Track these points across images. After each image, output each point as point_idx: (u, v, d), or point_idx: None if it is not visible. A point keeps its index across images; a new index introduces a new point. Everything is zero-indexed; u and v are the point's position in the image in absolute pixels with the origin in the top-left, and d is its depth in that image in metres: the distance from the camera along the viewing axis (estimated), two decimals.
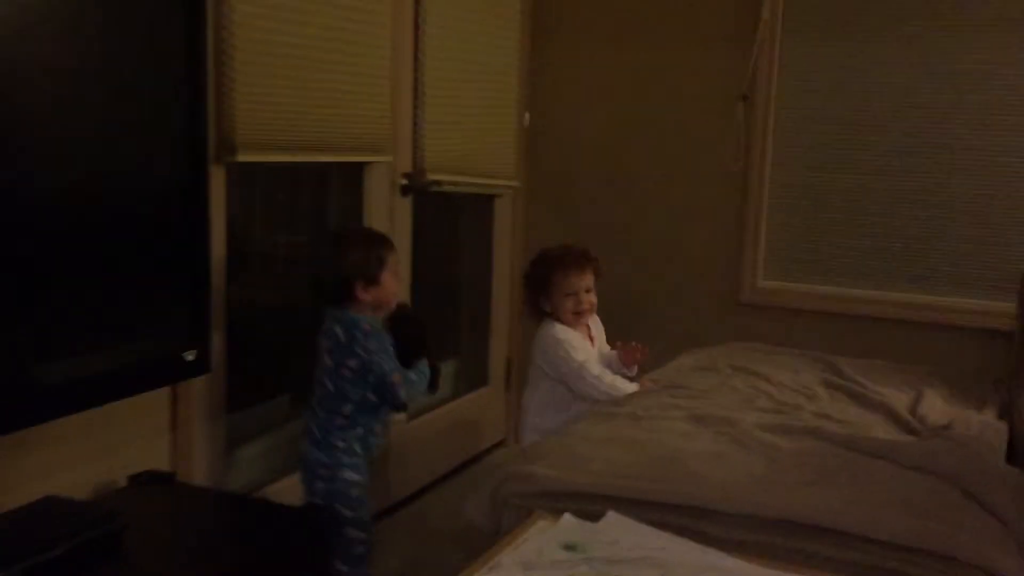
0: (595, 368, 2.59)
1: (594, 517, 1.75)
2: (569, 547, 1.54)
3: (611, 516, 1.73)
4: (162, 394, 2.02)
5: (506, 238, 3.60)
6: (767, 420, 2.14)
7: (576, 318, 2.67)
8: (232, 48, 2.11)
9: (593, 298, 2.69)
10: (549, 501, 1.81)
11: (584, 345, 2.68)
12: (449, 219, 3.54)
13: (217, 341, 2.21)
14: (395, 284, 2.22)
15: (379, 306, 2.19)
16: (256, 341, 2.47)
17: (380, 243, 2.21)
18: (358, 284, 2.13)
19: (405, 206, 2.95)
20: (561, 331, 2.64)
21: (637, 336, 2.73)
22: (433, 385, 2.22)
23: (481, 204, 3.51)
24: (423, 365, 2.20)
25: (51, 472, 1.79)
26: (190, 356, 1.81)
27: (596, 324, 2.82)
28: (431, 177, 2.96)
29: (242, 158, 2.19)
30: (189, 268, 1.82)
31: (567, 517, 1.73)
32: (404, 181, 2.91)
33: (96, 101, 1.61)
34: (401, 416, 2.82)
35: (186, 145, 1.78)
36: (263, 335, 2.53)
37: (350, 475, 2.13)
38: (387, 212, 2.86)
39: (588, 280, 2.67)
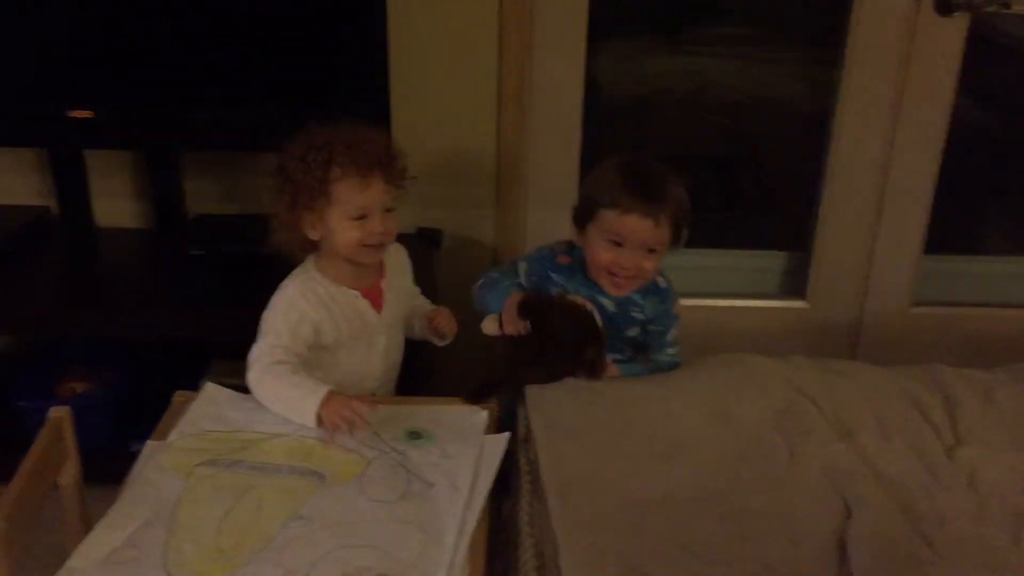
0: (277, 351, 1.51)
1: None
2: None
3: None
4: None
5: None
6: None
7: (362, 253, 1.57)
8: None
9: (392, 223, 1.56)
10: None
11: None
12: None
13: None
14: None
15: None
16: None
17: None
18: None
19: (947, 32, 2.15)
20: (296, 287, 1.58)
21: None
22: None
23: None
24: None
25: None
26: None
27: (396, 263, 1.69)
28: None
29: None
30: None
31: None
32: None
33: None
34: None
35: None
36: None
37: None
38: (901, 47, 2.16)
39: (387, 193, 1.54)
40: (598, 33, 2.25)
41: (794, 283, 2.52)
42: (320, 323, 1.57)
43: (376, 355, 1.66)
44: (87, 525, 1.31)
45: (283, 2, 1.95)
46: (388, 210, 1.55)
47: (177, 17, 1.95)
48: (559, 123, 2.27)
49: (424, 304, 1.79)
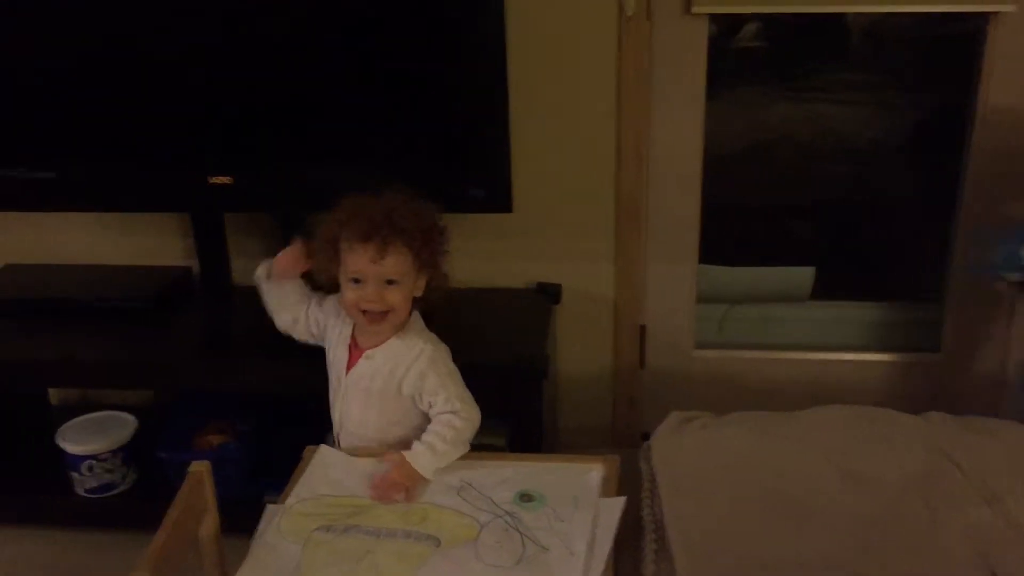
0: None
1: None
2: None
3: None
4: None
5: None
6: None
7: (361, 317, 1.61)
8: None
9: (392, 297, 1.56)
10: None
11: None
12: None
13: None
14: None
15: None
16: None
17: None
18: None
19: None
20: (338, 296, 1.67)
21: None
22: None
23: None
24: None
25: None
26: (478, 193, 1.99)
27: (401, 352, 1.62)
28: None
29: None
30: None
31: None
32: None
33: None
34: None
35: None
36: None
37: None
38: None
39: (386, 264, 1.54)
40: (718, 81, 2.23)
41: (926, 335, 2.43)
42: (327, 320, 1.71)
43: (336, 408, 1.70)
44: None
45: (405, 74, 2.02)
46: (391, 282, 1.55)
47: (305, 91, 2.06)
48: (679, 175, 2.27)
49: (437, 420, 1.59)
